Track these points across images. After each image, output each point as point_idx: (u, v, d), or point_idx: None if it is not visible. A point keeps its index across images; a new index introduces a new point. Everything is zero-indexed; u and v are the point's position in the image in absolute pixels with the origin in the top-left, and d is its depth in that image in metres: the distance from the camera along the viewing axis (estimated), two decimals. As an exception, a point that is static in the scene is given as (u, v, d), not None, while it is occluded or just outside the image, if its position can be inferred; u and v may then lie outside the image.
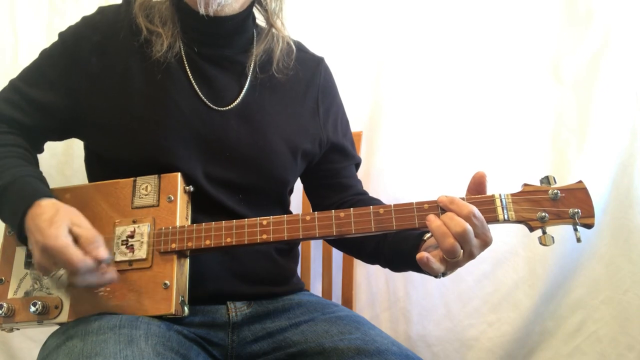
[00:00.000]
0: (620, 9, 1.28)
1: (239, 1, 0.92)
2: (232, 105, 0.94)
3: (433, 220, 0.74)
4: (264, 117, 0.96)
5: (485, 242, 0.75)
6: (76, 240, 0.76)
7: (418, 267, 0.82)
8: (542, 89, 1.36)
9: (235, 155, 0.93)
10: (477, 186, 0.78)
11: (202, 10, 0.88)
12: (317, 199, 1.11)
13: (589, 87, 1.31)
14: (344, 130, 1.10)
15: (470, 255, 0.75)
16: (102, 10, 0.97)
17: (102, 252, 0.77)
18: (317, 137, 1.02)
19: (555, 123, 1.34)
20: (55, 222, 0.76)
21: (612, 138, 1.28)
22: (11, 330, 0.88)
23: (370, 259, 1.01)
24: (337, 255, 1.34)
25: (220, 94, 0.94)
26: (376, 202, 1.04)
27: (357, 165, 1.13)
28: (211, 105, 0.93)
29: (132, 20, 0.93)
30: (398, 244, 0.89)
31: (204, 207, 0.90)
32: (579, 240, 0.75)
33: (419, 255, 0.74)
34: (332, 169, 1.08)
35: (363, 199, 1.05)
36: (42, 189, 0.84)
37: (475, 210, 0.73)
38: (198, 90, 0.93)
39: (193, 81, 0.93)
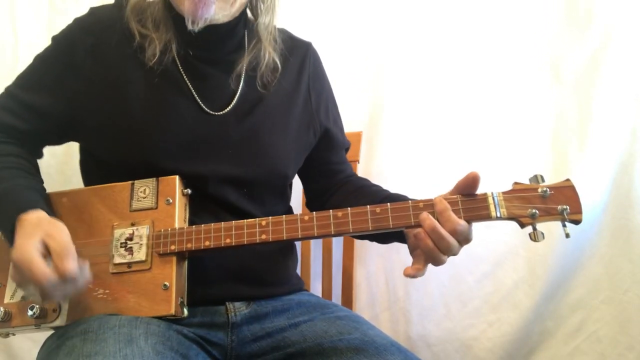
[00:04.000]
0: (620, 9, 1.28)
1: (227, 15, 0.92)
2: (230, 106, 0.95)
3: (423, 239, 0.77)
4: (262, 113, 0.97)
5: (467, 242, 0.79)
6: (49, 253, 0.75)
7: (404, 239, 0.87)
8: (542, 89, 1.35)
9: (237, 152, 0.93)
10: (468, 188, 0.79)
11: (189, 26, 0.88)
12: (308, 184, 1.12)
13: (589, 87, 1.31)
14: (334, 116, 1.11)
15: (453, 254, 0.79)
16: (93, 12, 0.97)
17: (71, 265, 0.73)
18: (312, 126, 1.03)
19: (555, 123, 1.34)
20: (29, 235, 0.75)
21: (612, 138, 1.28)
22: (7, 335, 0.88)
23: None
24: (337, 255, 1.34)
25: (217, 95, 0.95)
26: (364, 182, 1.07)
27: (347, 149, 1.14)
28: (209, 108, 0.93)
29: (124, 25, 0.93)
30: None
31: (207, 206, 0.91)
32: (567, 235, 0.77)
33: (405, 273, 0.79)
34: (322, 157, 1.08)
35: (351, 181, 1.08)
36: (28, 202, 0.82)
37: (459, 227, 0.76)
38: (195, 93, 0.93)
39: (189, 84, 0.93)
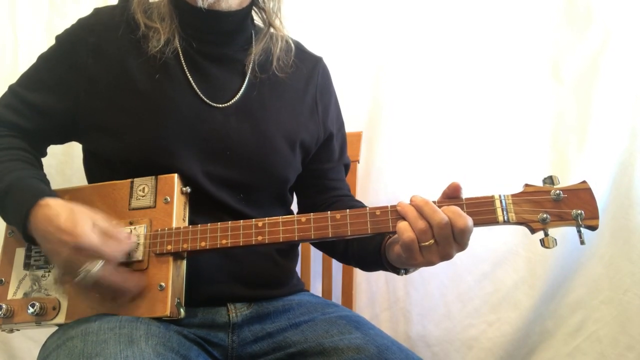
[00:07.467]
0: (620, 9, 1.29)
1: (235, 1, 0.93)
2: (231, 102, 0.94)
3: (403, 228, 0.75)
4: (264, 114, 0.96)
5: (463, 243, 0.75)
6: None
7: (385, 267, 0.86)
8: (542, 89, 1.36)
9: (236, 153, 0.92)
10: (452, 193, 0.77)
11: (199, 3, 0.88)
12: (301, 198, 1.11)
13: (589, 87, 1.31)
14: (339, 127, 1.11)
15: (446, 256, 0.75)
16: (97, 12, 0.97)
17: (129, 239, 0.81)
18: (315, 134, 1.03)
19: (555, 123, 1.34)
20: (80, 221, 0.76)
21: (612, 138, 1.28)
22: (11, 331, 0.89)
23: (342, 259, 1.04)
24: (337, 255, 1.34)
25: (218, 91, 0.94)
26: (356, 204, 1.04)
27: (347, 167, 1.13)
28: (210, 103, 0.93)
29: (130, 17, 0.93)
30: (365, 243, 0.91)
31: (205, 207, 0.90)
32: (582, 242, 0.73)
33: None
34: (318, 169, 1.07)
35: (342, 200, 1.05)
36: (44, 189, 0.83)
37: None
38: (196, 88, 0.93)
39: (190, 78, 0.93)
